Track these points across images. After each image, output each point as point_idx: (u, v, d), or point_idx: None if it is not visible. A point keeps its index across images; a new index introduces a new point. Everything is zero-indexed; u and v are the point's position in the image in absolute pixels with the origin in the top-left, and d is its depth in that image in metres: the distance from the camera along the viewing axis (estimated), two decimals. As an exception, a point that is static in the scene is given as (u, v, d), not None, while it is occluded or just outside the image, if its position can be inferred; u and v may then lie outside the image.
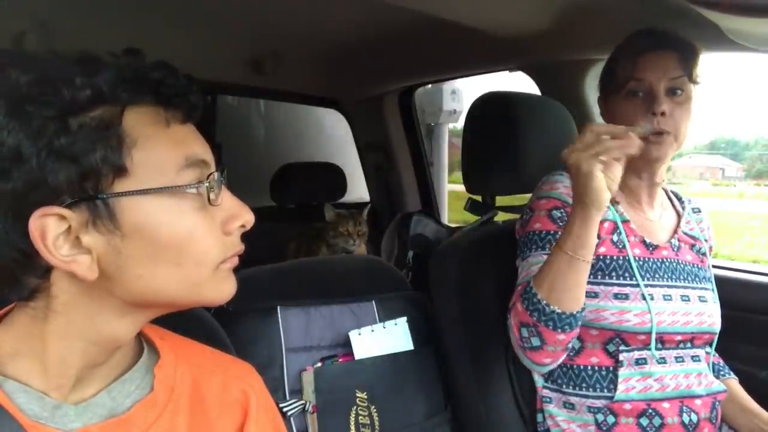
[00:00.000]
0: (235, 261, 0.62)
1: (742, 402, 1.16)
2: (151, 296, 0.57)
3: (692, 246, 1.18)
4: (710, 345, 1.16)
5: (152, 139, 0.55)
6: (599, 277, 1.07)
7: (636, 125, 0.98)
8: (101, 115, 0.52)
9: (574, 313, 0.97)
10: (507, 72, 1.85)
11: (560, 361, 1.04)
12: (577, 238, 0.94)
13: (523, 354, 1.02)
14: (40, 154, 0.50)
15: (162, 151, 0.55)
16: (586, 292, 1.05)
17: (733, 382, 1.20)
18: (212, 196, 0.58)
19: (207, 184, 0.57)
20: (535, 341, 0.99)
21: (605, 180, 0.90)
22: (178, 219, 0.55)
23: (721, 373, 1.21)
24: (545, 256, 1.03)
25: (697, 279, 1.15)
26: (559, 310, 0.96)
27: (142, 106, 0.55)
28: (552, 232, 1.07)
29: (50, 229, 0.51)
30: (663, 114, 1.04)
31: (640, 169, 1.12)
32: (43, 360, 0.55)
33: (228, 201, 0.60)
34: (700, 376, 1.11)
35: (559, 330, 0.97)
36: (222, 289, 0.61)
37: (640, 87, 1.07)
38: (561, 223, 1.07)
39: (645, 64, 1.06)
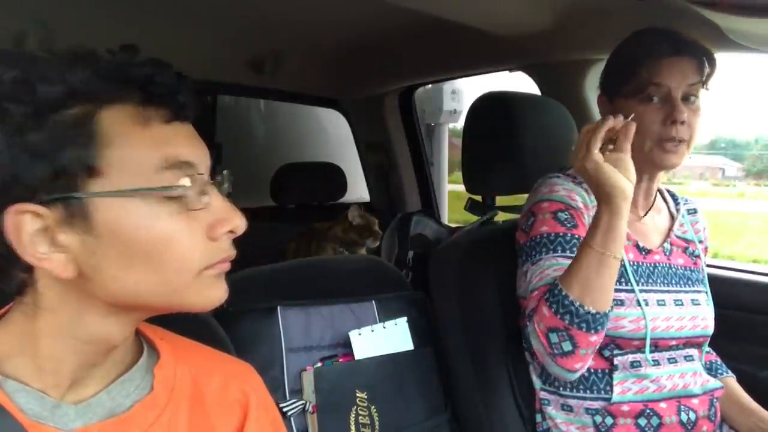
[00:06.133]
0: (225, 267, 0.59)
1: (741, 400, 1.15)
2: (129, 299, 0.56)
3: (685, 249, 1.17)
4: (704, 345, 1.16)
5: (129, 138, 0.53)
6: None
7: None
8: (76, 113, 0.52)
9: (606, 312, 0.96)
10: (507, 72, 1.85)
11: (587, 365, 1.01)
12: (606, 233, 0.94)
13: (553, 361, 0.98)
14: (14, 151, 0.50)
15: (137, 152, 0.53)
16: None
17: (731, 380, 1.20)
18: (193, 199, 0.55)
19: (188, 187, 0.55)
20: (567, 346, 0.96)
21: (619, 171, 0.92)
22: (153, 222, 0.54)
23: (719, 371, 1.21)
24: (560, 259, 1.03)
25: (689, 282, 1.15)
26: (593, 311, 0.94)
27: (123, 105, 0.54)
28: (561, 234, 1.05)
29: (25, 225, 0.51)
30: (682, 123, 1.02)
31: (644, 172, 1.11)
32: (36, 358, 0.55)
33: (217, 204, 0.58)
34: (695, 375, 1.11)
35: (593, 331, 0.95)
36: (207, 296, 0.58)
37: (658, 92, 1.04)
38: (569, 225, 1.06)
39: (666, 70, 1.03)
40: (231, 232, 0.58)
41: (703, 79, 1.05)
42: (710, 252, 1.27)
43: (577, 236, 1.05)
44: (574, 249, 1.03)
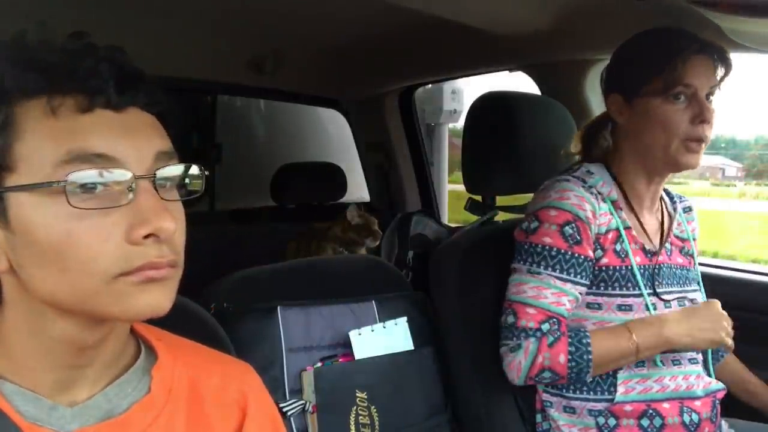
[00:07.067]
0: (154, 274, 0.52)
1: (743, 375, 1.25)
2: (54, 300, 0.52)
3: (681, 249, 1.18)
4: None
5: (36, 131, 0.51)
6: (602, 288, 1.07)
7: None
8: None
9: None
10: (507, 72, 1.85)
11: None
12: (657, 349, 1.03)
13: (524, 381, 1.06)
14: None
15: (42, 145, 0.50)
16: (590, 303, 1.07)
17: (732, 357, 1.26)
18: (103, 195, 0.51)
19: (93, 182, 0.50)
20: (546, 381, 1.06)
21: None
22: (54, 220, 0.50)
23: (719, 351, 1.23)
24: (558, 282, 1.05)
25: (688, 281, 1.16)
26: (589, 378, 1.05)
27: (38, 96, 0.51)
28: (563, 251, 1.05)
29: None
30: (709, 122, 1.03)
31: (660, 174, 1.11)
32: (10, 355, 0.55)
33: (144, 204, 0.52)
34: (699, 377, 1.11)
35: (570, 382, 1.07)
36: (131, 305, 0.52)
37: (686, 91, 1.04)
38: (572, 242, 1.06)
39: (693, 69, 1.03)
40: (154, 235, 0.51)
41: (721, 78, 1.06)
42: (710, 252, 1.28)
43: (576, 255, 1.06)
44: (571, 271, 1.05)
